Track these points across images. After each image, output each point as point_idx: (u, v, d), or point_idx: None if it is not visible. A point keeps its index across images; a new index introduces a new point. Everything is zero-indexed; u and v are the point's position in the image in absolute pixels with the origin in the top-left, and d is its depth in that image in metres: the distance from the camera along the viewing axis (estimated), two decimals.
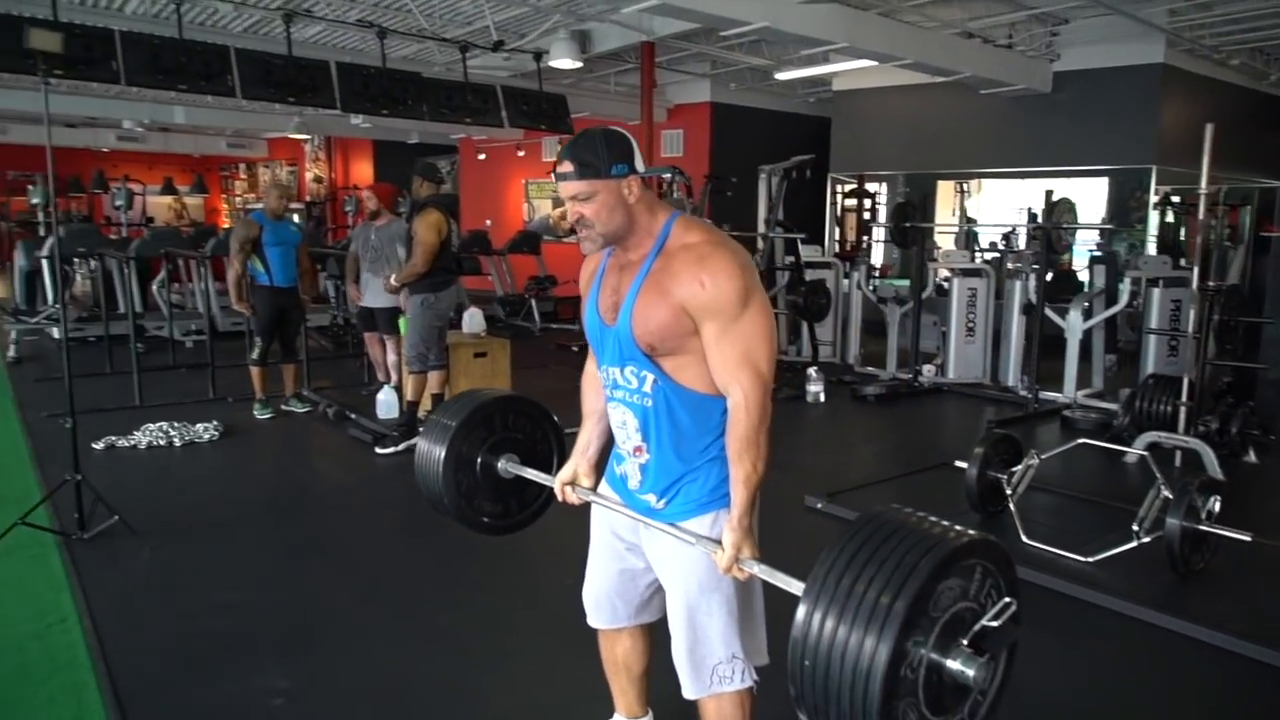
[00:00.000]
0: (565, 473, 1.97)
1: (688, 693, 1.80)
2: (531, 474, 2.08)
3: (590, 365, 1.99)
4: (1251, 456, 4.90)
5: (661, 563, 1.83)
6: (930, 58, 8.13)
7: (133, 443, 5.06)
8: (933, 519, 1.36)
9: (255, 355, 5.76)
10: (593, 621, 2.04)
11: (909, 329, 7.26)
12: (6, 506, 3.86)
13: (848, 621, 1.23)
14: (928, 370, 7.15)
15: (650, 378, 1.72)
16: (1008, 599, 1.35)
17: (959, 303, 7.04)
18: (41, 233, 10.61)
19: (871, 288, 7.98)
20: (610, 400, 1.83)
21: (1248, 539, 3.12)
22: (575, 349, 8.52)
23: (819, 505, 4.11)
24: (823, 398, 6.58)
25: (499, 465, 2.11)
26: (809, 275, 7.90)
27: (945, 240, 10.73)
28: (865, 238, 10.32)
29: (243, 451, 5.16)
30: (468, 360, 5.51)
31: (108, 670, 2.56)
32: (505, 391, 2.31)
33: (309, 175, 17.61)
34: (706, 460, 1.76)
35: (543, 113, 9.78)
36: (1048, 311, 6.30)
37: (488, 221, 14.50)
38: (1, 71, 6.24)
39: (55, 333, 8.81)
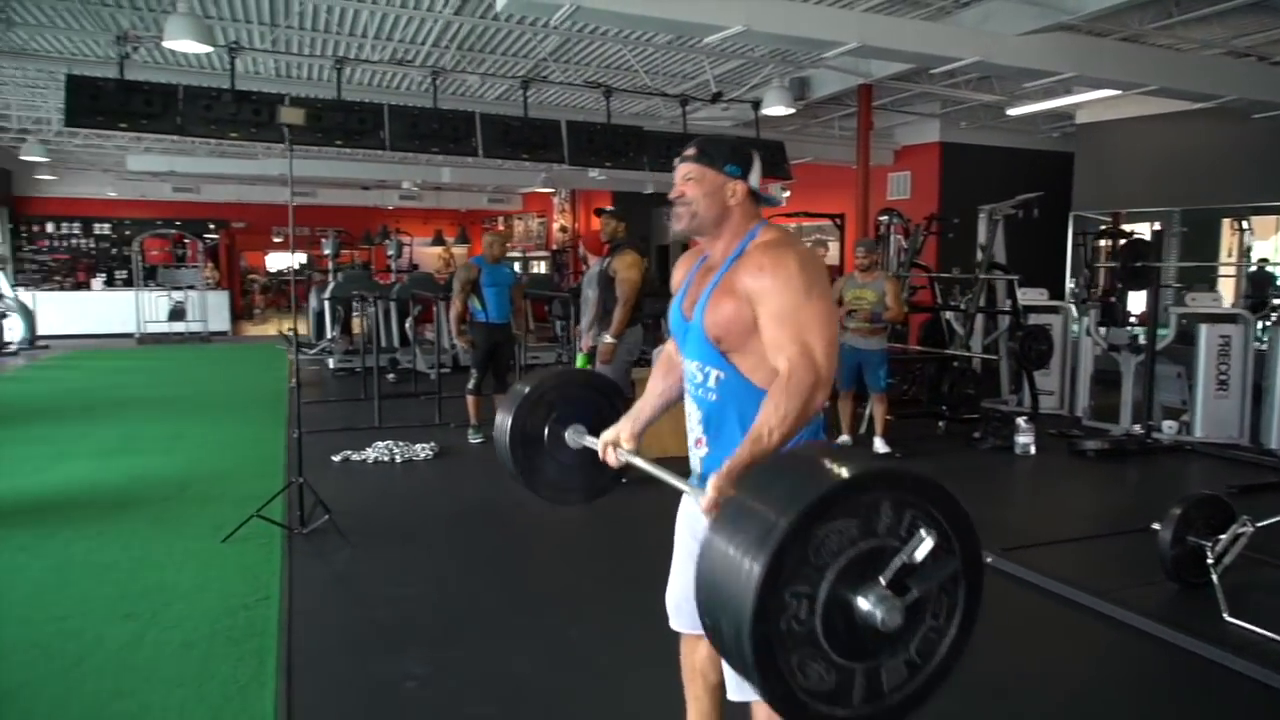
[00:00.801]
0: (609, 434, 2.05)
1: (731, 695, 1.83)
2: (589, 440, 2.15)
3: (670, 346, 2.09)
4: None
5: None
6: (1182, 82, 7.34)
7: (363, 458, 5.79)
8: (841, 457, 1.33)
9: (471, 385, 6.37)
10: (674, 624, 2.10)
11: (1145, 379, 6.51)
12: (255, 503, 4.60)
13: (723, 579, 1.26)
14: (1169, 426, 6.36)
15: (715, 374, 1.80)
16: (927, 532, 1.27)
17: (1208, 352, 6.22)
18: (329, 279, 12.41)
19: (1102, 333, 7.25)
20: (687, 394, 1.93)
21: None
22: None
23: (989, 560, 3.82)
24: (1033, 450, 6.06)
25: (566, 435, 2.20)
26: (1032, 320, 7.36)
27: (1228, 284, 9.52)
28: (1119, 282, 9.39)
29: (450, 470, 5.71)
30: None
31: (288, 642, 2.99)
32: (581, 369, 2.45)
33: (556, 225, 19.05)
34: None
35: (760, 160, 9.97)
36: None
37: None
38: (277, 142, 7.34)
39: (331, 363, 10.25)
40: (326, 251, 12.67)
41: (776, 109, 8.84)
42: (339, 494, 4.69)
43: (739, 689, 1.82)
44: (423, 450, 5.94)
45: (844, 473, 1.30)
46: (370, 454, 5.84)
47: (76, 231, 18.33)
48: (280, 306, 20.74)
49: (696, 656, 2.13)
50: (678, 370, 2.03)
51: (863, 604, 1.27)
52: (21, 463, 5.63)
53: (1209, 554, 3.29)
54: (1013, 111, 9.80)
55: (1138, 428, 6.42)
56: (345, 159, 15.44)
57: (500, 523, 4.72)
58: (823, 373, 1.66)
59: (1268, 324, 6.63)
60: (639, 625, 3.18)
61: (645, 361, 7.55)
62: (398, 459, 5.81)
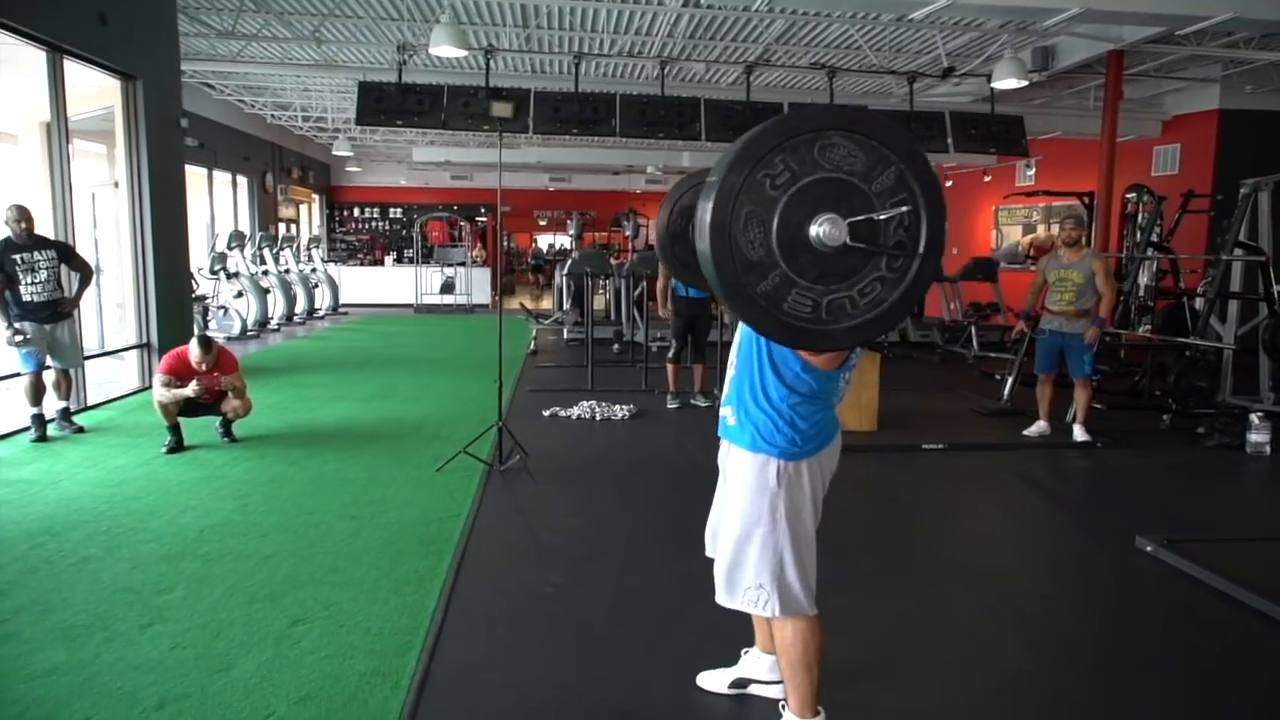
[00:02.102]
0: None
1: (720, 599, 2.13)
2: None
3: None
4: None
5: (728, 481, 2.14)
6: None
7: (568, 414, 6.47)
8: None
9: (671, 354, 6.85)
10: (708, 552, 2.38)
11: None
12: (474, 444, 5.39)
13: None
14: None
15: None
16: (906, 215, 1.49)
17: None
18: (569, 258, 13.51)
19: None
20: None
21: None
22: (997, 377, 8.15)
23: (1149, 549, 3.65)
24: (1267, 450, 5.44)
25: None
26: None
27: None
28: None
29: (640, 430, 6.23)
30: None
31: (462, 551, 3.62)
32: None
33: None
34: (768, 401, 2.03)
35: (993, 136, 9.50)
36: None
37: (954, 250, 14.26)
38: (522, 133, 8.24)
39: (565, 333, 11.24)
40: (572, 232, 13.78)
41: (1008, 82, 8.41)
42: (539, 442, 5.37)
43: (719, 592, 2.13)
44: (621, 411, 6.51)
45: (873, 115, 1.58)
46: (575, 411, 6.51)
47: (375, 215, 21.26)
48: (539, 284, 22.66)
49: None
50: None
51: (817, 220, 1.51)
52: (308, 401, 6.93)
53: None
54: None
55: None
56: (595, 146, 16.60)
57: (667, 473, 5.15)
58: None
59: None
60: None
61: None
62: (598, 417, 6.43)
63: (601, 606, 3.12)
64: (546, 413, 6.50)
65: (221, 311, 11.77)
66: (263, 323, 12.10)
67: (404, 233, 20.85)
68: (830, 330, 1.59)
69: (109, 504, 4.19)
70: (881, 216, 1.52)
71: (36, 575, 3.30)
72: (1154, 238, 7.97)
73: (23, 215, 5.41)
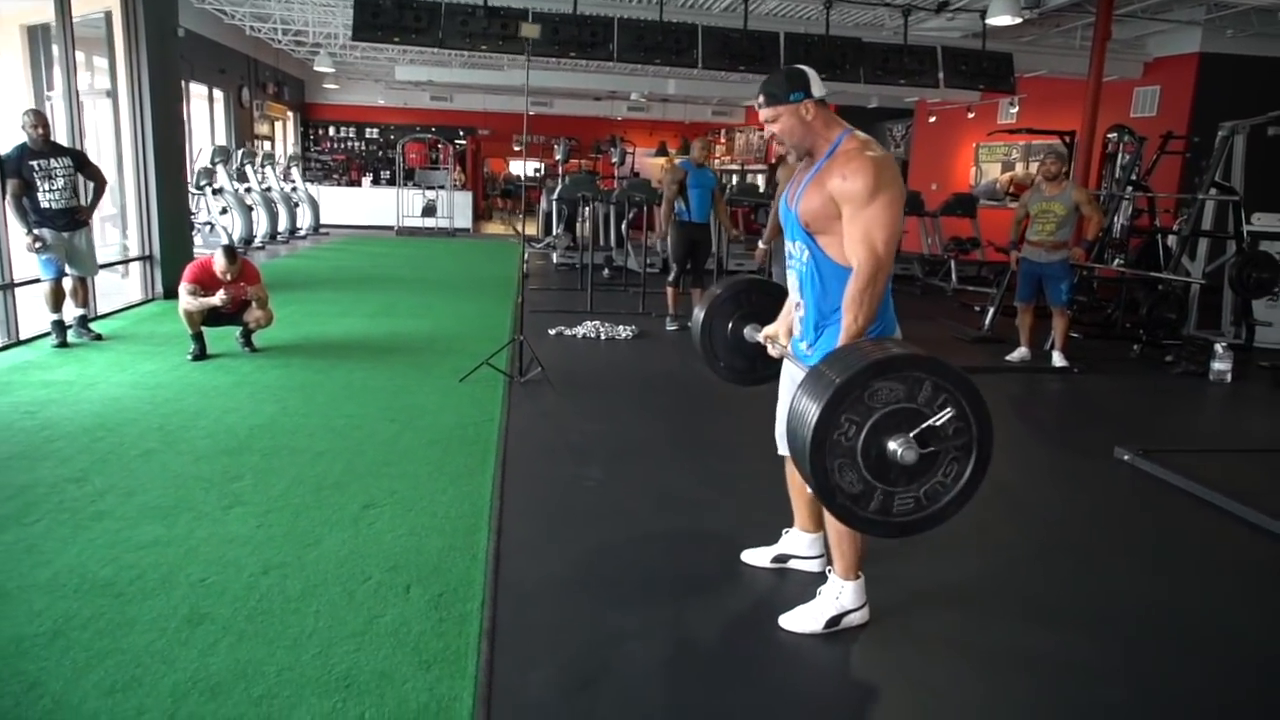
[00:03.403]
0: (769, 329, 2.65)
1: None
2: (759, 336, 2.78)
3: None
4: None
5: None
6: None
7: (574, 333, 6.71)
8: (901, 345, 1.85)
9: (671, 278, 7.08)
10: (781, 450, 2.69)
11: None
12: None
13: (808, 390, 1.81)
14: None
15: (807, 251, 2.32)
16: (952, 411, 1.77)
17: None
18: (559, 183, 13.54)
19: None
20: (788, 269, 2.46)
21: None
22: (976, 309, 8.52)
23: (1126, 458, 4.04)
24: (1228, 378, 5.89)
25: (745, 330, 2.86)
26: (1263, 247, 6.88)
27: None
28: None
29: (644, 348, 6.50)
30: None
31: (504, 448, 3.90)
32: (757, 277, 3.04)
33: (695, 140, 19.15)
34: (838, 319, 2.30)
35: (983, 72, 9.70)
36: None
37: (934, 185, 14.53)
38: (519, 54, 8.24)
39: (555, 258, 11.39)
40: (558, 157, 13.78)
41: (1003, 19, 8.56)
42: (550, 357, 5.62)
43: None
44: (624, 331, 6.77)
45: (895, 353, 1.83)
46: (580, 330, 6.75)
47: (351, 135, 20.89)
48: (517, 210, 22.57)
49: (797, 478, 2.71)
50: None
51: (891, 443, 1.83)
52: (316, 316, 7.07)
53: None
54: None
55: None
56: (580, 70, 16.37)
57: (678, 388, 5.45)
58: (881, 259, 2.13)
59: None
60: (763, 458, 3.82)
61: None
62: (602, 336, 6.68)
63: (642, 498, 3.42)
64: (553, 331, 6.74)
65: (208, 228, 11.71)
66: (248, 240, 12.05)
67: (381, 153, 20.57)
68: (934, 512, 1.90)
69: (151, 404, 4.38)
70: (937, 422, 1.83)
71: (108, 464, 3.51)
72: (1133, 177, 8.29)
73: (39, 120, 5.42)
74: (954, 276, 10.53)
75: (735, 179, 18.06)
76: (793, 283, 2.41)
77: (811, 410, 1.78)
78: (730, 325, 2.89)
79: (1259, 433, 5.10)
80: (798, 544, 2.80)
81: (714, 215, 7.16)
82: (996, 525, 3.36)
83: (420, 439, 4.00)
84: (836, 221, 2.21)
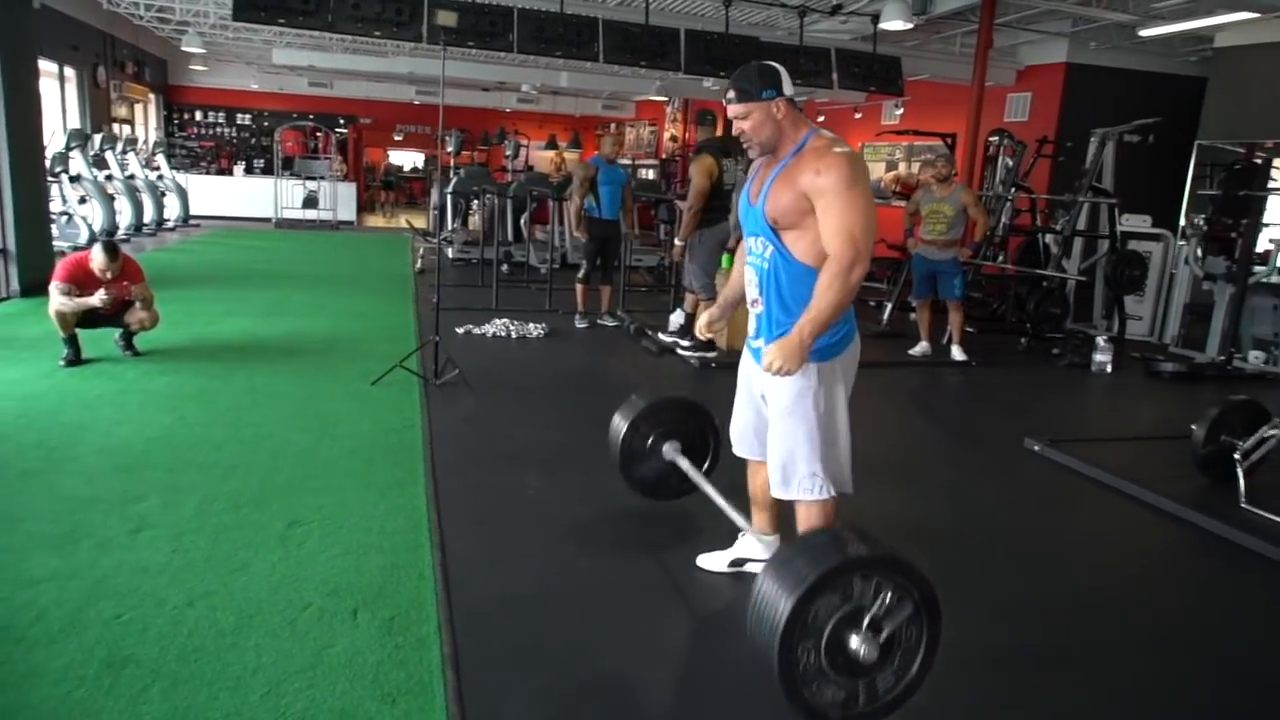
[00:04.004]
0: (710, 314, 2.66)
1: (776, 492, 2.37)
2: (684, 464, 2.94)
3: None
4: None
5: (769, 397, 2.39)
6: None
7: (483, 332, 6.51)
8: (825, 550, 1.86)
9: (581, 275, 6.97)
10: (737, 451, 2.65)
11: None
12: (393, 360, 5.37)
13: (759, 641, 1.84)
14: (1255, 356, 6.45)
15: (770, 248, 2.29)
16: (888, 590, 1.82)
17: None
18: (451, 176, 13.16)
19: (1199, 264, 7.25)
20: (747, 264, 2.42)
21: None
22: (872, 304, 8.80)
23: (1037, 448, 4.24)
24: (1109, 369, 6.30)
25: (664, 448, 2.99)
26: (1132, 246, 7.41)
27: None
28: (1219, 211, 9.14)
29: (557, 347, 6.38)
30: None
31: (432, 455, 3.71)
32: (689, 396, 3.12)
33: (667, 135, 19.27)
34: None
35: (874, 74, 10.01)
36: None
37: None
38: (415, 41, 7.95)
39: (450, 252, 11.05)
40: (450, 149, 13.37)
41: (895, 23, 8.86)
42: (463, 358, 5.40)
43: (780, 488, 2.37)
44: (535, 329, 6.61)
45: (827, 564, 1.81)
46: (489, 329, 6.56)
47: (221, 121, 19.67)
48: (399, 202, 21.82)
49: (759, 478, 2.68)
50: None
51: (852, 643, 1.82)
52: (201, 316, 6.59)
53: (1237, 451, 3.61)
54: (1146, 32, 9.49)
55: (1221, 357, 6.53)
56: (468, 60, 15.98)
57: (600, 388, 5.36)
58: (860, 249, 2.13)
59: None
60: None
61: None
62: (513, 335, 6.51)
63: (585, 506, 3.32)
64: (461, 330, 6.51)
65: (65, 218, 10.74)
66: (109, 232, 11.12)
67: (255, 141, 19.45)
68: (914, 677, 1.90)
69: (25, 418, 3.95)
70: (882, 610, 1.83)
71: None
72: (1016, 179, 8.75)
73: None
74: None
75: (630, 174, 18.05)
76: (751, 279, 2.38)
77: (769, 660, 1.81)
78: (650, 440, 3.05)
79: (1145, 419, 5.46)
80: (755, 547, 2.77)
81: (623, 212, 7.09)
82: (934, 523, 3.44)
83: (340, 449, 3.77)
84: (807, 217, 2.20)
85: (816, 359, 2.29)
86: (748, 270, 2.40)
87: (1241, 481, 3.54)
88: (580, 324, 7.04)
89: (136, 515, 2.96)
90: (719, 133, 16.18)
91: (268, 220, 15.21)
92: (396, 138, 22.64)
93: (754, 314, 2.39)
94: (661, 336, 6.31)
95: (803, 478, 2.31)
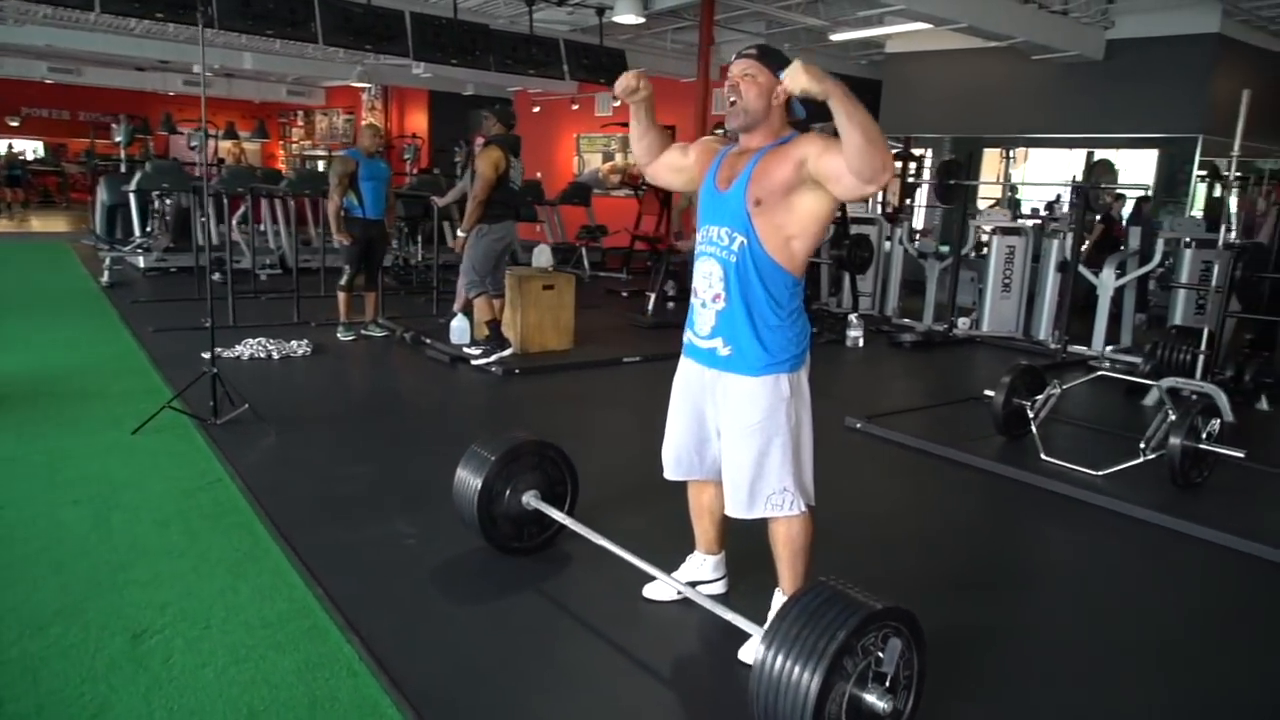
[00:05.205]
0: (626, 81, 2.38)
1: (738, 512, 2.28)
2: (548, 509, 2.77)
3: (666, 155, 2.47)
4: (1264, 404, 5.24)
5: (729, 409, 2.26)
6: (985, 22, 8.29)
7: (236, 354, 5.63)
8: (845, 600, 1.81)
9: (344, 281, 6.27)
10: (672, 474, 2.50)
11: (948, 284, 7.61)
12: (143, 397, 4.46)
13: (793, 662, 1.73)
14: (963, 323, 7.51)
15: (740, 240, 2.17)
16: (889, 636, 1.81)
17: (997, 259, 7.37)
18: (124, 170, 11.24)
19: (914, 245, 8.31)
20: (700, 255, 2.27)
21: (1240, 455, 3.53)
22: (625, 295, 8.97)
23: (858, 425, 4.56)
24: (861, 343, 6.99)
25: (523, 499, 2.78)
26: (853, 231, 8.26)
27: (987, 205, 10.97)
28: (909, 199, 10.58)
29: (334, 365, 5.70)
30: (537, 292, 5.95)
31: (268, 514, 3.10)
32: (536, 435, 2.92)
33: (364, 123, 18.09)
34: (770, 326, 2.19)
35: (602, 66, 10.15)
36: (1082, 270, 6.62)
37: (539, 174, 14.91)
38: (95, 11, 6.70)
39: (141, 262, 9.44)
40: (117, 139, 11.41)
41: (627, 17, 9.02)
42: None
43: (736, 507, 2.28)
44: (299, 347, 5.84)
45: (841, 635, 1.73)
46: (244, 350, 5.69)
47: None
48: (30, 202, 18.29)
49: (704, 498, 2.57)
50: (659, 149, 2.47)
51: (867, 700, 1.78)
52: None
53: (1029, 411, 4.17)
54: (835, 37, 10.59)
55: (939, 326, 7.54)
56: (122, 33, 13.71)
57: (410, 408, 4.91)
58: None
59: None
60: (593, 484, 3.61)
61: (519, 261, 7.74)
62: (274, 355, 5.70)
63: (481, 553, 2.95)
64: (206, 354, 5.55)
65: None
66: None
67: None
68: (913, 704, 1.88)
69: None
70: (889, 667, 1.81)
71: None
72: None
73: None
74: (586, 264, 10.95)
75: (320, 165, 16.61)
76: (712, 273, 2.23)
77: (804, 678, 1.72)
78: (509, 492, 2.82)
79: (920, 388, 6.03)
80: (702, 569, 2.65)
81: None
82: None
83: (139, 522, 3.02)
84: (792, 195, 2.10)
85: (790, 369, 2.22)
86: (708, 263, 2.25)
87: (1038, 438, 4.08)
88: (345, 336, 6.35)
89: None
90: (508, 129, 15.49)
91: None
92: (13, 123, 18.94)
93: (712, 310, 2.25)
94: (469, 351, 5.78)
95: (772, 494, 2.24)
